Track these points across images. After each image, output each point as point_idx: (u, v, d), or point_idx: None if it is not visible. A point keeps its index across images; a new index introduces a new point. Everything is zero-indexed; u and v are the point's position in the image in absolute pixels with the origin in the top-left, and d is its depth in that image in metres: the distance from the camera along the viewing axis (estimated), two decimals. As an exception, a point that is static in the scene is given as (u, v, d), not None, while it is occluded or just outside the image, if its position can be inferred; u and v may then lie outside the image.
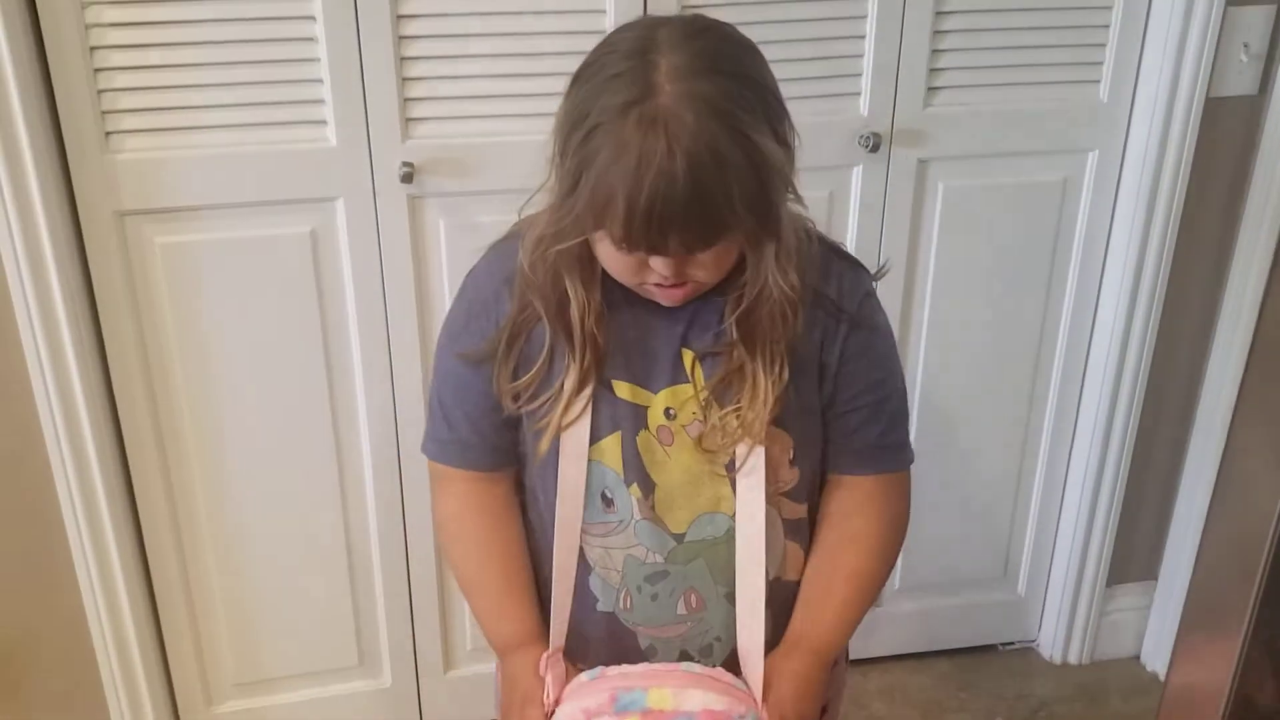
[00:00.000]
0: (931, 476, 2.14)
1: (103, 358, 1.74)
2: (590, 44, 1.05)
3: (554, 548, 1.15)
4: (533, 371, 1.12)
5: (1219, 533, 1.41)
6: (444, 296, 1.79)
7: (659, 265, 1.02)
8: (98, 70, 1.58)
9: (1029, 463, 2.18)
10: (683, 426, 1.13)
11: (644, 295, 1.09)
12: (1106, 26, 1.87)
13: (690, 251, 1.00)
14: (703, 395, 1.12)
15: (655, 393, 1.13)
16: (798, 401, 1.14)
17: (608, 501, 1.15)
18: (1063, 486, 2.21)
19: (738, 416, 1.11)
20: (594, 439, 1.13)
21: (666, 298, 1.08)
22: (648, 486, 1.14)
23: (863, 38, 1.79)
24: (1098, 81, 1.91)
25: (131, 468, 1.82)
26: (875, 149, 1.84)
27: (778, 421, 1.13)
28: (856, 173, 1.87)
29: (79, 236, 1.67)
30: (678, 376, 1.13)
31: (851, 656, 2.22)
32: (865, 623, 2.21)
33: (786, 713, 1.14)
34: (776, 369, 1.11)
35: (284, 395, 1.82)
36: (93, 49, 1.57)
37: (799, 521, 1.21)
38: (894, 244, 1.93)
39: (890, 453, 1.21)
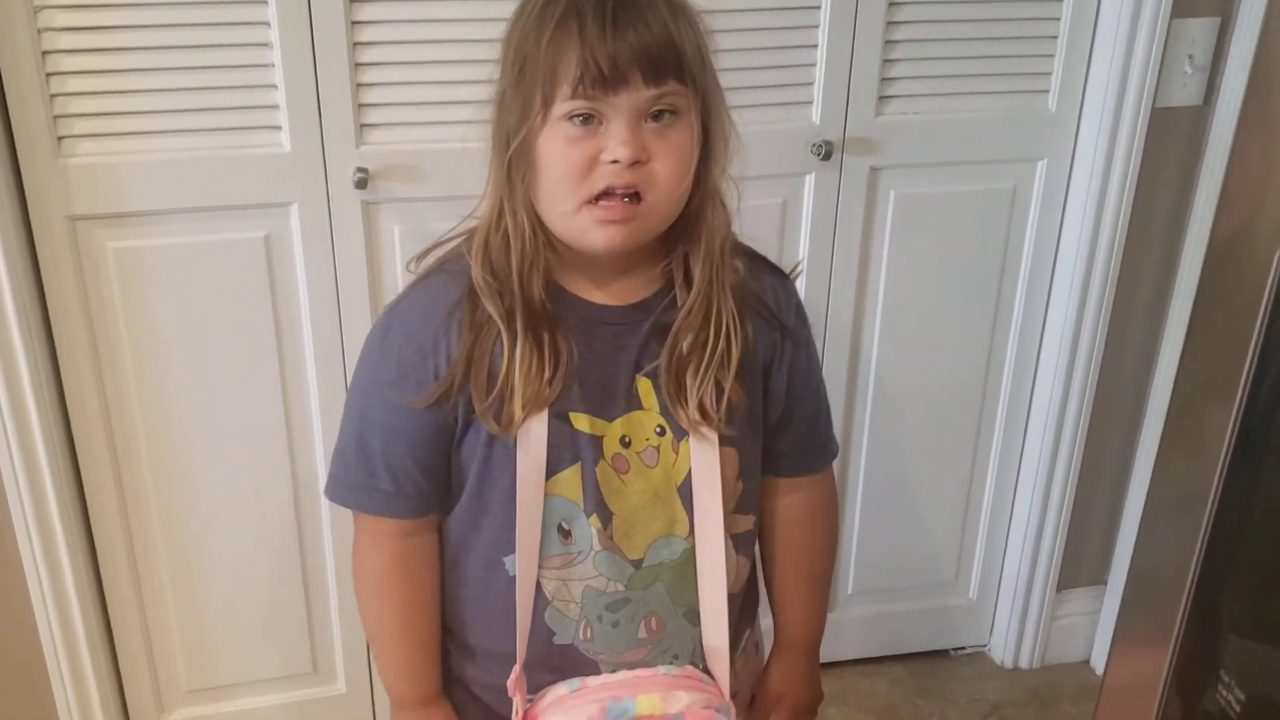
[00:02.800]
0: (883, 482, 2.16)
1: (54, 363, 1.73)
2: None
3: (517, 575, 1.13)
4: (502, 377, 1.09)
5: (1153, 532, 1.44)
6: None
7: (616, 134, 1.01)
8: (50, 74, 1.58)
9: (980, 468, 2.21)
10: (638, 454, 1.14)
11: (582, 241, 1.06)
12: (1055, 37, 1.90)
13: (653, 78, 1.00)
14: (664, 374, 1.12)
15: (611, 421, 1.13)
16: (746, 412, 1.17)
17: (565, 534, 1.14)
18: (1013, 492, 2.23)
19: (700, 410, 1.13)
20: (552, 472, 1.12)
21: (617, 212, 1.03)
22: (606, 516, 1.13)
23: (815, 47, 1.81)
24: (1046, 91, 1.94)
25: (83, 473, 1.81)
26: (827, 157, 1.86)
27: (725, 439, 1.15)
28: (809, 181, 1.89)
29: (30, 241, 1.66)
30: (632, 404, 1.14)
31: (805, 661, 2.26)
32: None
33: (805, 701, 1.31)
34: (726, 330, 1.13)
35: (237, 401, 1.81)
36: (45, 53, 1.57)
37: (746, 535, 1.23)
38: (846, 251, 1.95)
39: (825, 450, 1.30)
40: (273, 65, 1.64)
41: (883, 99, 1.87)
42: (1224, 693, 1.26)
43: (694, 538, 1.16)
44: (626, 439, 1.13)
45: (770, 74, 1.81)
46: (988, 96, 1.92)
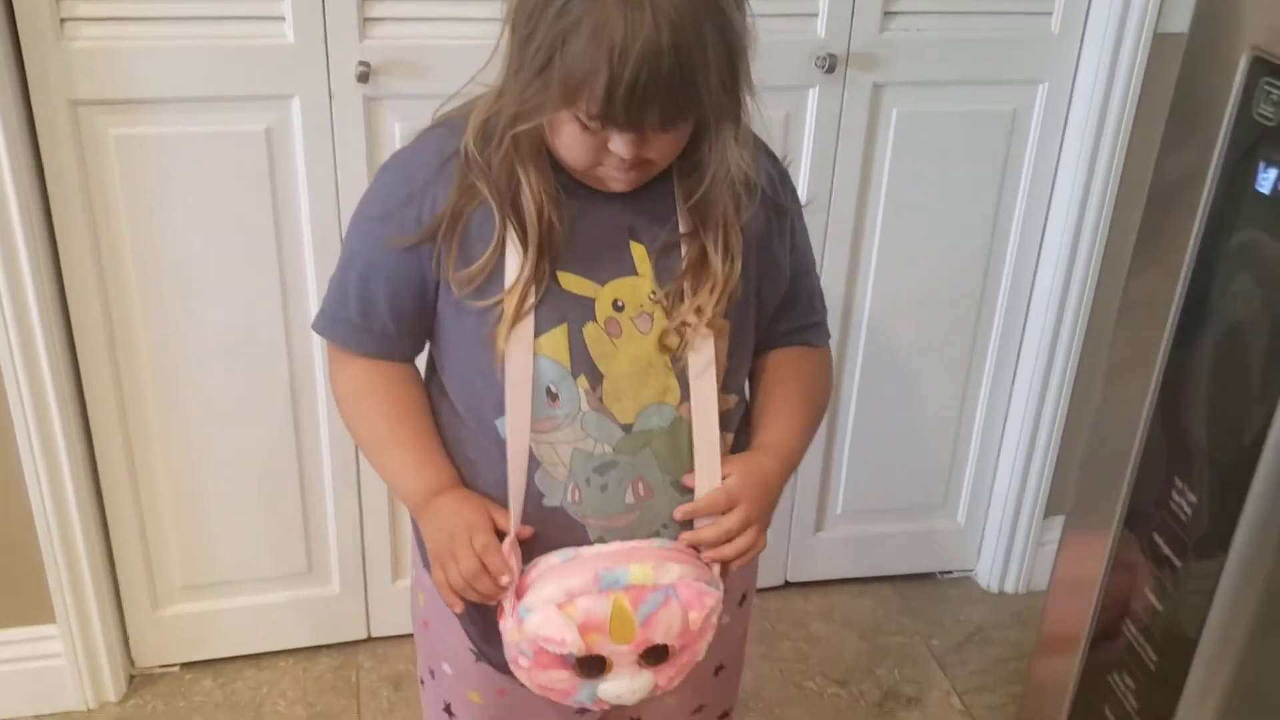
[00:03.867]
0: (875, 405, 2.18)
1: (54, 249, 1.73)
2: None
3: (507, 442, 1.14)
4: (484, 258, 1.11)
5: (1107, 405, 1.52)
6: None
7: (620, 146, 1.03)
8: (54, -46, 1.58)
9: (972, 392, 2.22)
10: (630, 319, 1.14)
11: (591, 182, 1.10)
12: (1060, -43, 1.90)
13: (665, 128, 1.01)
14: (662, 291, 1.14)
15: (602, 284, 1.13)
16: (742, 291, 1.17)
17: (552, 396, 1.14)
18: (1004, 417, 2.25)
19: (698, 312, 1.14)
20: (537, 333, 1.12)
21: (621, 182, 1.09)
22: (595, 378, 1.14)
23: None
24: (1050, 13, 1.94)
25: (81, 365, 1.82)
26: (831, 70, 1.86)
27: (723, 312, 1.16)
28: (812, 94, 1.89)
29: (31, 125, 1.66)
30: (625, 268, 1.14)
31: (792, 578, 2.29)
32: (806, 544, 2.27)
33: (758, 511, 1.18)
34: (731, 257, 1.14)
35: (236, 294, 1.82)
36: (50, -68, 1.57)
37: (729, 413, 1.22)
38: (847, 167, 1.95)
39: (820, 328, 1.32)
40: None
41: (887, 14, 1.87)
42: (1176, 498, 1.33)
43: (686, 407, 1.16)
44: (619, 303, 1.14)
45: (776, -17, 1.81)
46: (992, 16, 1.92)
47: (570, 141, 1.05)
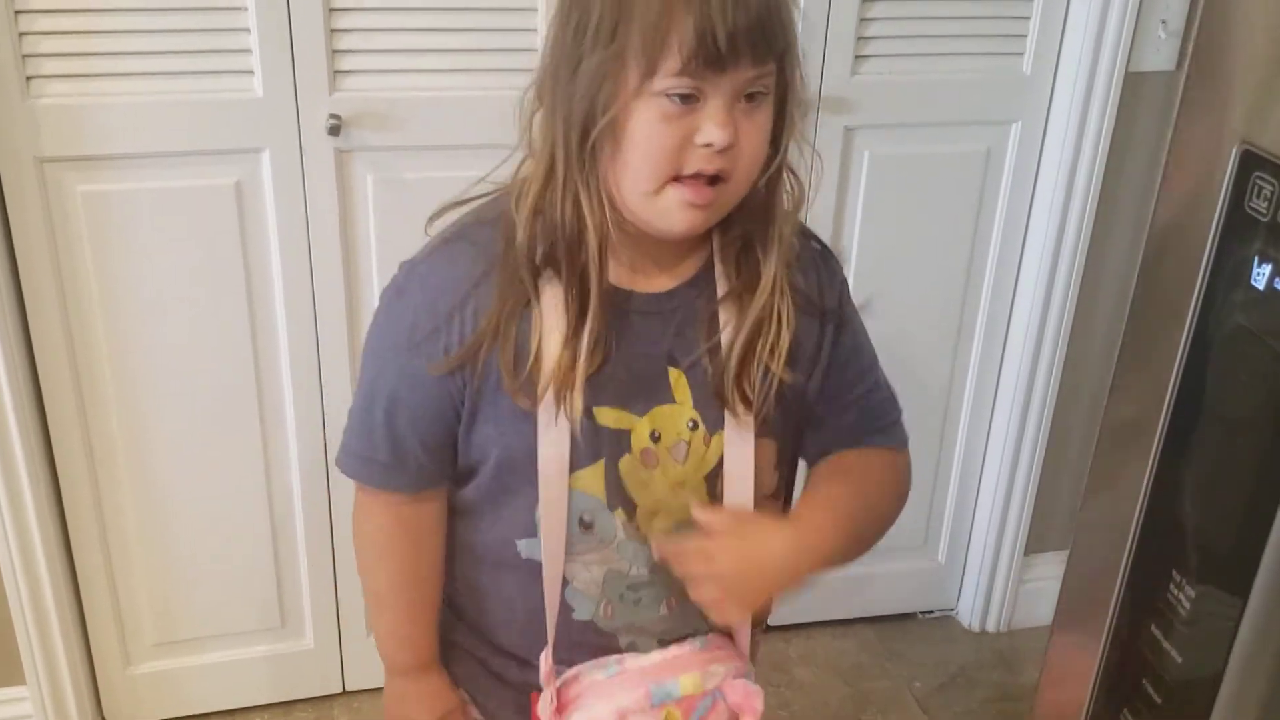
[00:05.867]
0: (855, 444, 2.16)
1: (21, 307, 1.71)
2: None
3: (542, 566, 1.09)
4: (531, 355, 1.03)
5: (1097, 495, 1.49)
6: (370, 252, 1.79)
7: (714, 116, 0.93)
8: (19, 12, 1.56)
9: (950, 432, 2.22)
10: (667, 449, 1.08)
11: (654, 221, 0.99)
12: (1030, 0, 1.90)
13: (761, 57, 0.92)
14: (701, 415, 1.07)
15: (640, 416, 1.07)
16: (790, 399, 1.10)
17: (586, 525, 1.09)
18: (982, 455, 2.25)
19: (771, 351, 1.06)
20: (573, 468, 1.07)
21: (695, 210, 0.97)
22: (630, 508, 1.09)
23: (794, 5, 1.80)
24: (1021, 54, 1.94)
25: (50, 422, 1.79)
26: (803, 115, 1.86)
27: (765, 427, 1.09)
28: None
29: (-3, 183, 1.64)
30: (663, 397, 1.08)
31: (773, 622, 2.27)
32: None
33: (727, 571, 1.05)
34: (790, 301, 1.06)
35: (207, 349, 1.80)
36: (14, -10, 1.55)
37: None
38: (820, 211, 1.95)
39: (891, 431, 1.21)
40: (245, 8, 1.62)
41: (859, 58, 1.87)
42: (1174, 591, 1.31)
43: None
44: (656, 434, 1.08)
45: (747, 29, 1.80)
46: (963, 58, 1.93)
47: (649, 136, 0.94)
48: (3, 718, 1.92)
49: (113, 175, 1.67)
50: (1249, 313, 1.18)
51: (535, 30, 1.72)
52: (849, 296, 1.16)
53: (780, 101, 0.98)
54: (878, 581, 2.32)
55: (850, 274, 1.98)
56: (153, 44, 1.62)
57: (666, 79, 0.92)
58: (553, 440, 1.04)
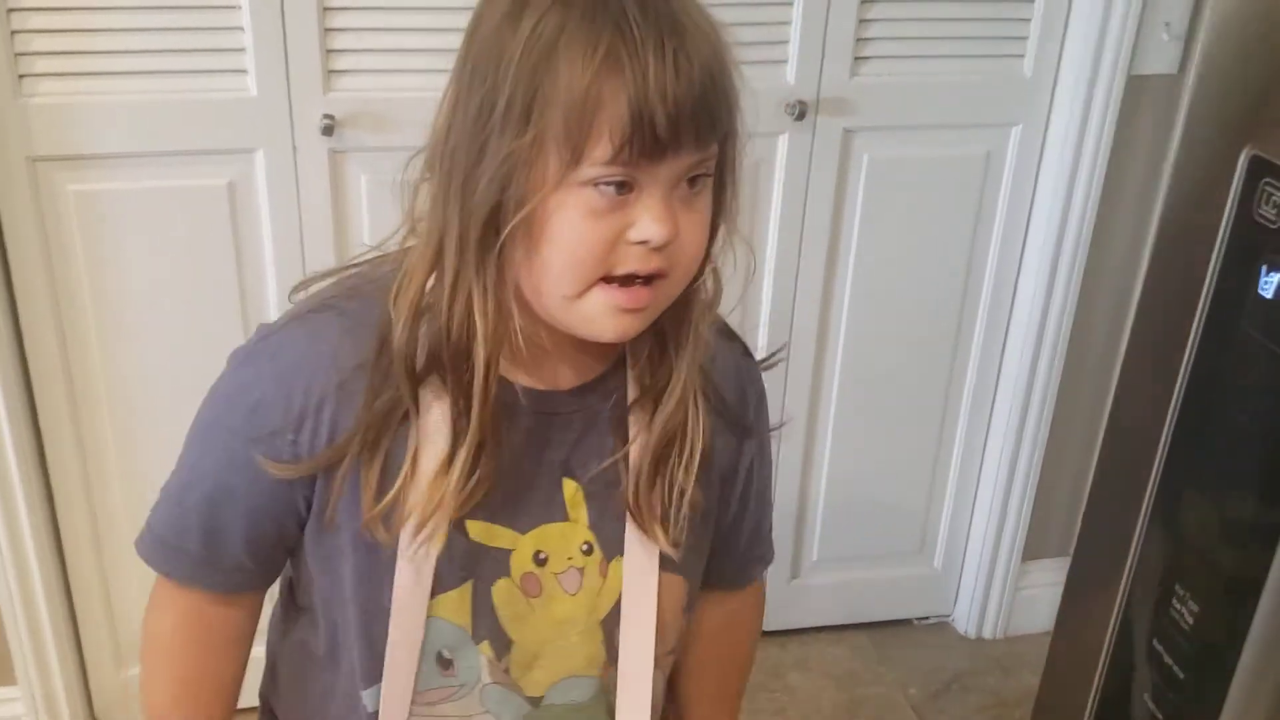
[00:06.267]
0: (850, 449, 2.15)
1: (13, 307, 1.70)
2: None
3: (380, 715, 0.94)
4: (401, 477, 0.87)
5: (1099, 506, 1.47)
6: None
7: (651, 209, 0.79)
8: (11, 10, 1.55)
9: (947, 437, 2.20)
10: (554, 574, 0.93)
11: (576, 327, 0.85)
12: (1031, 1, 1.89)
13: (704, 140, 0.79)
14: (597, 538, 0.94)
15: (523, 533, 0.92)
16: (698, 526, 0.97)
17: (445, 663, 0.93)
18: (979, 463, 2.23)
19: (684, 466, 0.92)
20: (435, 591, 0.90)
21: (640, 299, 0.83)
22: (502, 645, 0.94)
23: (790, 4, 1.79)
24: (1022, 56, 1.93)
25: (41, 421, 1.78)
26: (801, 117, 1.84)
27: (669, 563, 0.96)
28: (782, 141, 1.87)
29: (-12, 181, 1.63)
30: (553, 513, 0.93)
31: (767, 627, 2.24)
32: (782, 592, 2.24)
33: None
34: (700, 408, 0.92)
35: (198, 350, 1.76)
36: (5, -13, 1.54)
37: (667, 673, 1.06)
38: (818, 214, 1.94)
39: (764, 559, 1.12)
40: (239, 7, 1.61)
41: (858, 59, 1.86)
42: (1177, 605, 1.29)
43: (612, 674, 0.97)
44: (542, 555, 0.93)
45: (744, 31, 1.76)
46: (964, 60, 1.91)
47: (573, 234, 0.79)
48: (-7, 718, 1.91)
49: (105, 174, 1.66)
50: (1256, 321, 1.17)
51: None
52: (766, 409, 1.04)
53: (718, 181, 0.85)
54: (873, 587, 2.31)
55: (848, 277, 1.99)
56: (146, 42, 1.61)
57: (595, 168, 0.78)
58: (412, 563, 0.88)
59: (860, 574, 2.29)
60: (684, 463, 0.92)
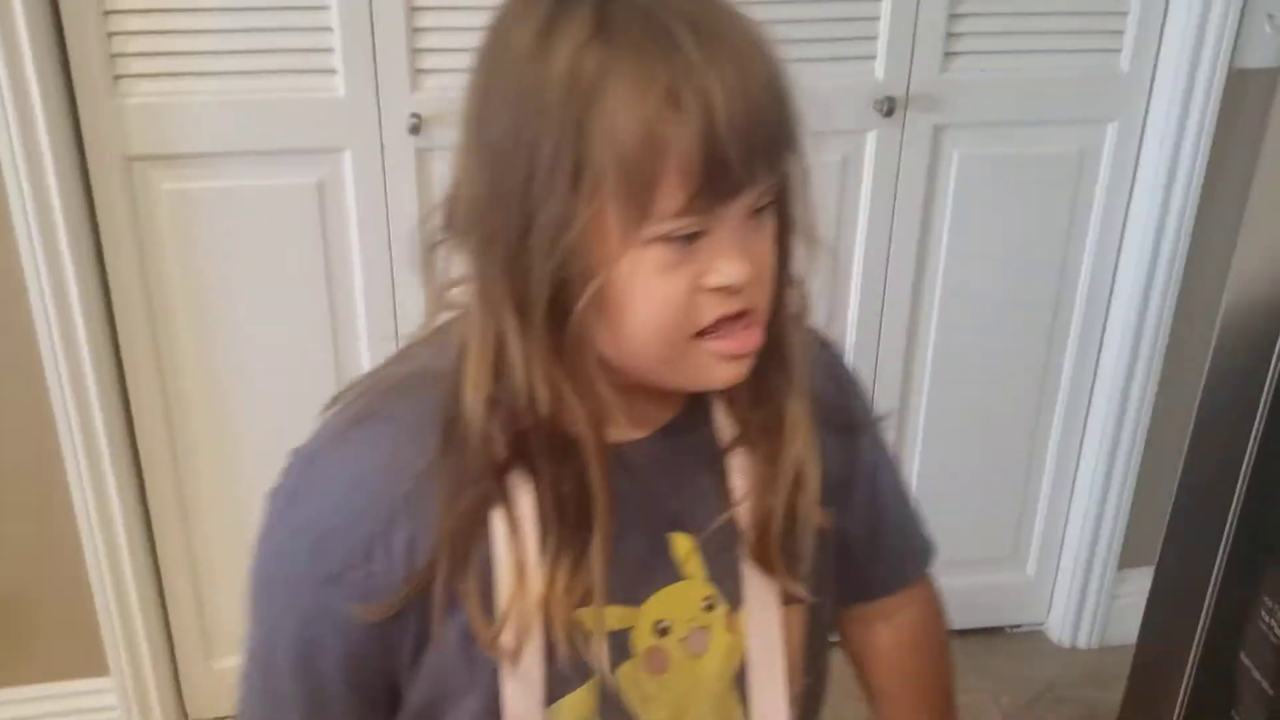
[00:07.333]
0: (941, 454, 2.11)
1: (108, 304, 1.74)
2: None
3: None
4: (506, 583, 0.77)
5: (1183, 514, 1.42)
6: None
7: (726, 252, 0.71)
8: (108, 12, 1.58)
9: (1041, 442, 2.16)
10: (679, 641, 0.84)
11: (680, 381, 0.77)
12: (1128, -7, 1.84)
13: (774, 171, 0.71)
14: (720, 590, 0.85)
15: (639, 605, 0.82)
16: (825, 546, 0.89)
17: None
18: (1075, 467, 2.18)
19: (809, 499, 0.84)
20: (552, 698, 0.80)
21: (747, 343, 0.75)
22: None
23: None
24: (1118, 51, 1.88)
25: (134, 417, 1.81)
26: (890, 113, 1.82)
27: (790, 597, 0.87)
28: (871, 138, 1.85)
29: (86, 180, 1.66)
30: (667, 574, 0.83)
31: (856, 633, 2.22)
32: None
33: None
34: (815, 437, 0.84)
35: (288, 347, 1.81)
36: (103, -11, 1.57)
37: (800, 697, 0.93)
38: (907, 212, 1.91)
39: (923, 552, 1.05)
40: (329, 8, 1.63)
41: (949, 55, 1.83)
42: (1266, 618, 1.23)
43: None
44: (664, 625, 0.83)
45: (833, 26, 1.77)
46: (1058, 55, 1.87)
47: (648, 297, 0.71)
48: (88, 708, 1.95)
49: (197, 173, 1.69)
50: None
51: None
52: (863, 393, 0.96)
53: (782, 195, 0.76)
54: (964, 594, 2.24)
55: (939, 278, 1.96)
56: (237, 43, 1.63)
57: (665, 223, 0.69)
58: (522, 681, 0.78)
59: (951, 580, 2.21)
60: (808, 496, 0.84)
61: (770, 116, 0.70)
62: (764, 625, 0.86)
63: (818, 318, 0.88)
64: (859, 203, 1.88)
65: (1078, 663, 2.24)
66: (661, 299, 0.71)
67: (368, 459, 0.78)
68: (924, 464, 2.12)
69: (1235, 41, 1.83)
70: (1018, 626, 2.32)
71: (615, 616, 0.81)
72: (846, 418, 0.92)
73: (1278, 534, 1.23)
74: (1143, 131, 1.93)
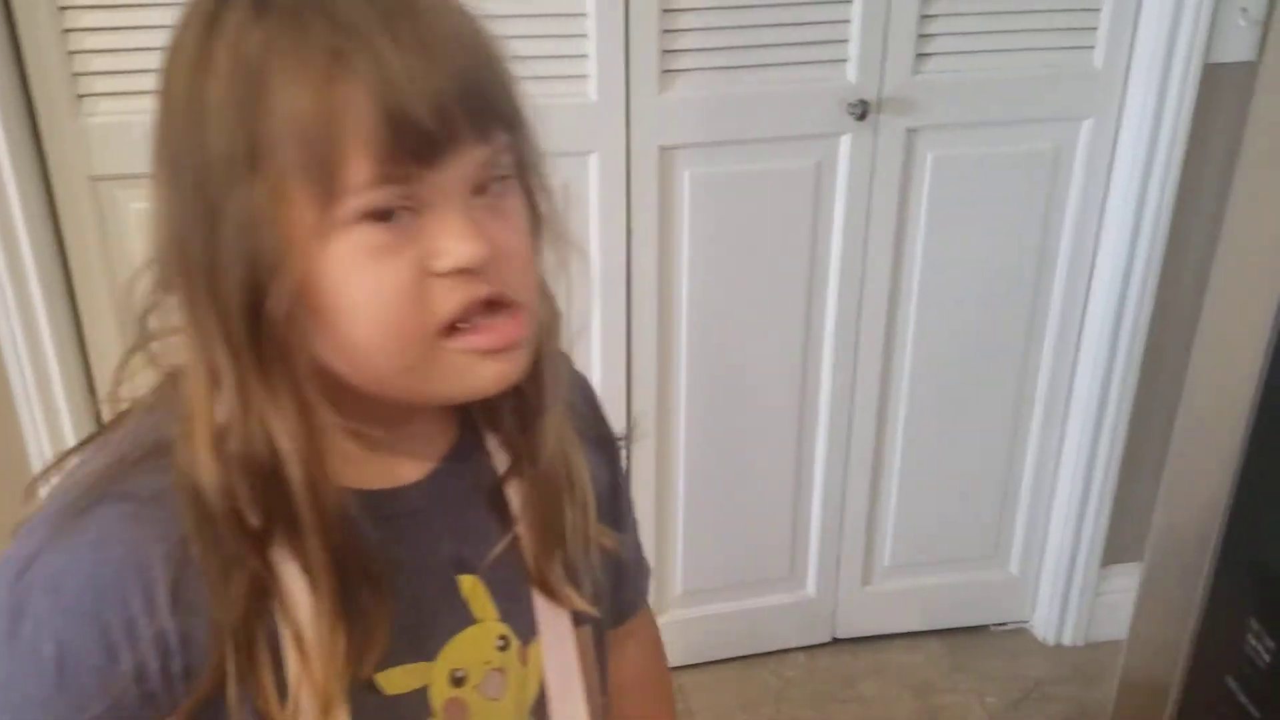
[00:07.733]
0: (922, 453, 2.11)
1: (78, 325, 1.72)
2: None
3: None
4: (294, 666, 0.68)
5: (1173, 509, 1.41)
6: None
7: (449, 231, 0.64)
8: (67, 30, 1.56)
9: (1021, 440, 2.15)
10: (475, 688, 0.78)
11: (467, 370, 0.68)
12: (1101, -10, 1.83)
13: (483, 133, 0.65)
14: (511, 627, 0.80)
15: (433, 658, 0.76)
16: (601, 576, 0.86)
17: None
18: (1056, 464, 2.17)
19: (582, 512, 0.81)
20: None
21: (509, 333, 0.68)
22: None
23: (849, 1, 1.75)
24: (1092, 48, 1.87)
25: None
26: (863, 117, 1.80)
27: (582, 616, 0.84)
28: (844, 142, 1.83)
29: (51, 202, 1.64)
30: (457, 620, 0.77)
31: (840, 635, 2.23)
32: (854, 599, 2.20)
33: None
34: (577, 450, 0.81)
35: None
36: (62, 8, 1.55)
37: None
38: (882, 215, 1.89)
39: (645, 578, 1.01)
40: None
41: (920, 56, 1.81)
42: (1253, 641, 1.23)
43: None
44: (459, 674, 0.77)
45: (804, 30, 1.76)
46: (1030, 53, 1.86)
47: (361, 288, 0.64)
48: None
49: (164, 192, 1.67)
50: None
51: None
52: (601, 407, 0.92)
53: (523, 186, 0.71)
54: (948, 593, 2.26)
55: (915, 279, 1.96)
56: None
57: (359, 196, 0.62)
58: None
59: (934, 579, 2.24)
60: (580, 509, 0.80)
61: (463, 75, 0.63)
62: (560, 654, 0.82)
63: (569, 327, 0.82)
64: (834, 207, 1.87)
65: (1063, 660, 2.24)
66: (379, 287, 0.63)
67: (102, 552, 0.65)
68: (905, 464, 2.12)
69: (1209, 36, 1.82)
70: (1002, 624, 2.31)
71: (411, 675, 0.75)
72: (601, 430, 0.88)
73: (1267, 553, 1.22)
74: (1118, 128, 1.92)
